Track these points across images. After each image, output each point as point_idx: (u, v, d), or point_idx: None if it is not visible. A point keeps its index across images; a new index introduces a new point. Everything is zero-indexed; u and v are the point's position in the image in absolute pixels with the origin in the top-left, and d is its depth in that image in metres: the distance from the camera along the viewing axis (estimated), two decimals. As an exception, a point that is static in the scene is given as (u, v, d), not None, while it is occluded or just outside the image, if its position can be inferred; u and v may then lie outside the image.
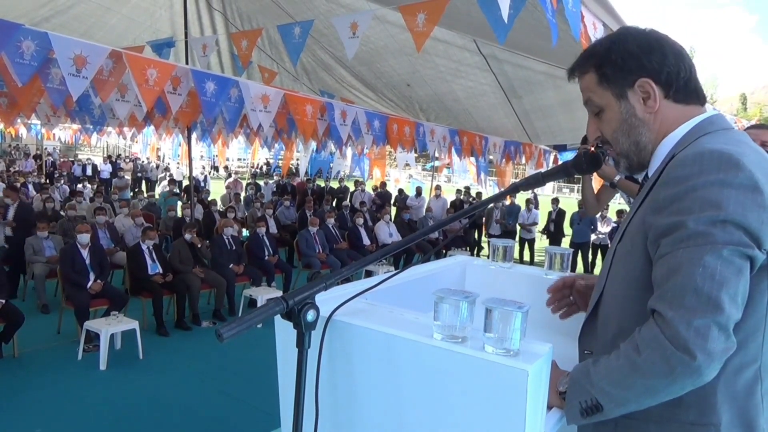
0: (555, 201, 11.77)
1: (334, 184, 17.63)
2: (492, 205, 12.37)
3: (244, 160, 30.50)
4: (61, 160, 25.01)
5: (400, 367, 1.10)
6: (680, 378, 0.95)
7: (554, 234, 11.57)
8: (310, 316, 1.03)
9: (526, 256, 11.61)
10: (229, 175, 21.72)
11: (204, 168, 20.56)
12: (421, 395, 1.09)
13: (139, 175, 21.82)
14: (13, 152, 24.38)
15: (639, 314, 1.07)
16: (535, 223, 11.52)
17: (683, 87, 1.14)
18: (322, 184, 17.11)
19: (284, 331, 1.08)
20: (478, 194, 14.59)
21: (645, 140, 1.18)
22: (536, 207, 11.95)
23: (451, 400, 1.04)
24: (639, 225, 1.11)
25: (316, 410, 1.11)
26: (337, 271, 1.13)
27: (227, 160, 27.37)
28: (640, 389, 1.00)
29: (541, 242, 12.43)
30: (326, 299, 1.25)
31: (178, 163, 21.58)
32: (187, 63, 7.93)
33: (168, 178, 16.66)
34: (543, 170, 1.42)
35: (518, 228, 11.63)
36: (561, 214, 11.57)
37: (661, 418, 1.07)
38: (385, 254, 1.23)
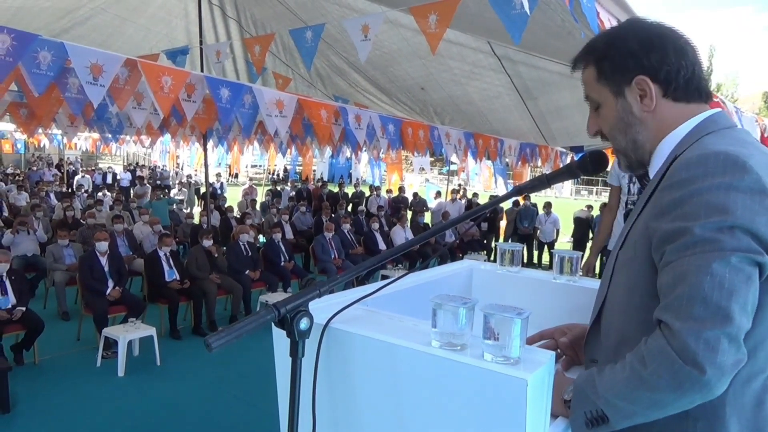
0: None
1: (350, 190, 17.64)
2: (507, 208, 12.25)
3: (261, 166, 30.68)
4: (83, 169, 25.44)
5: (398, 376, 1.07)
6: (689, 393, 0.91)
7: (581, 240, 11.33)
8: (303, 324, 1.00)
9: (546, 260, 11.47)
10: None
11: (220, 175, 20.75)
12: (421, 405, 1.06)
13: (158, 182, 22.10)
14: (36, 162, 24.89)
15: (642, 323, 1.03)
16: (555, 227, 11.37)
17: (683, 85, 1.10)
18: (335, 190, 17.09)
19: (282, 340, 1.07)
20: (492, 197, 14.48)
21: (642, 138, 1.14)
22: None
23: (452, 409, 1.01)
24: (642, 230, 1.06)
25: (313, 420, 1.09)
26: (331, 279, 1.11)
27: (245, 167, 27.56)
28: (646, 403, 0.96)
29: (561, 246, 12.27)
30: (325, 306, 1.23)
31: (195, 171, 21.83)
32: (202, 71, 7.99)
33: (177, 187, 16.81)
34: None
35: (537, 231, 11.51)
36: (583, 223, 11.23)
37: (667, 431, 1.03)
38: (376, 263, 1.21)
